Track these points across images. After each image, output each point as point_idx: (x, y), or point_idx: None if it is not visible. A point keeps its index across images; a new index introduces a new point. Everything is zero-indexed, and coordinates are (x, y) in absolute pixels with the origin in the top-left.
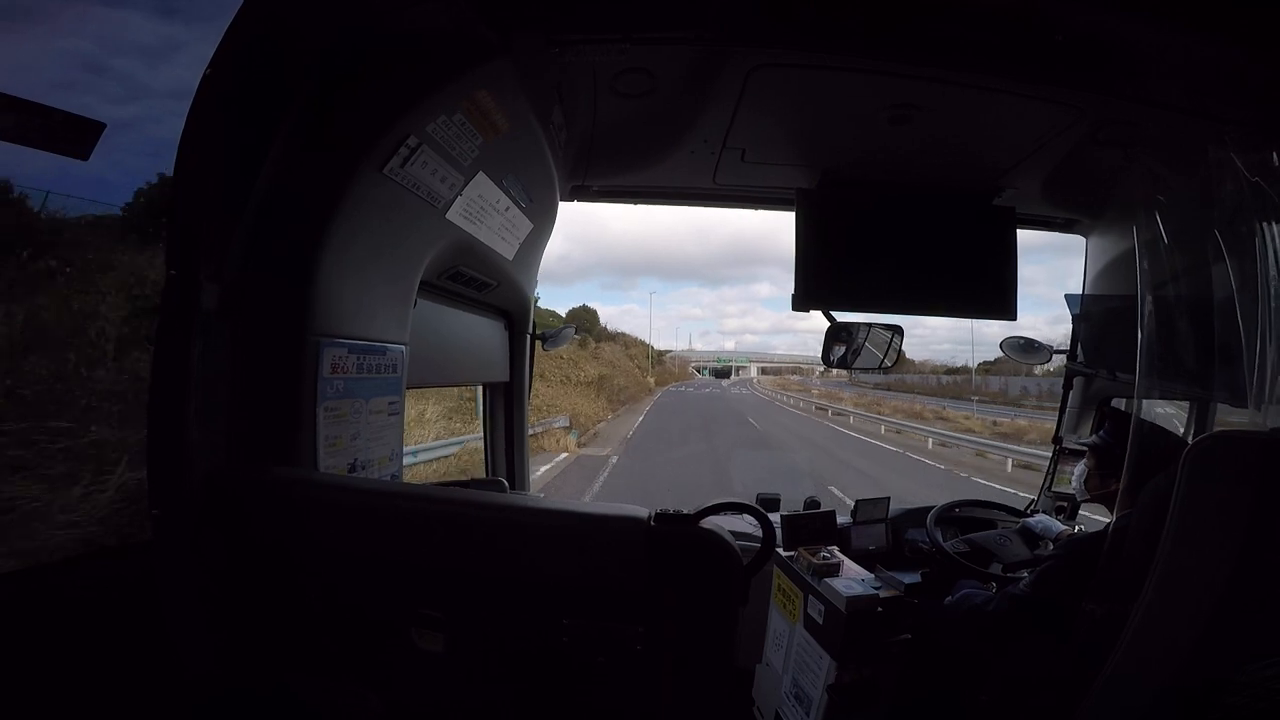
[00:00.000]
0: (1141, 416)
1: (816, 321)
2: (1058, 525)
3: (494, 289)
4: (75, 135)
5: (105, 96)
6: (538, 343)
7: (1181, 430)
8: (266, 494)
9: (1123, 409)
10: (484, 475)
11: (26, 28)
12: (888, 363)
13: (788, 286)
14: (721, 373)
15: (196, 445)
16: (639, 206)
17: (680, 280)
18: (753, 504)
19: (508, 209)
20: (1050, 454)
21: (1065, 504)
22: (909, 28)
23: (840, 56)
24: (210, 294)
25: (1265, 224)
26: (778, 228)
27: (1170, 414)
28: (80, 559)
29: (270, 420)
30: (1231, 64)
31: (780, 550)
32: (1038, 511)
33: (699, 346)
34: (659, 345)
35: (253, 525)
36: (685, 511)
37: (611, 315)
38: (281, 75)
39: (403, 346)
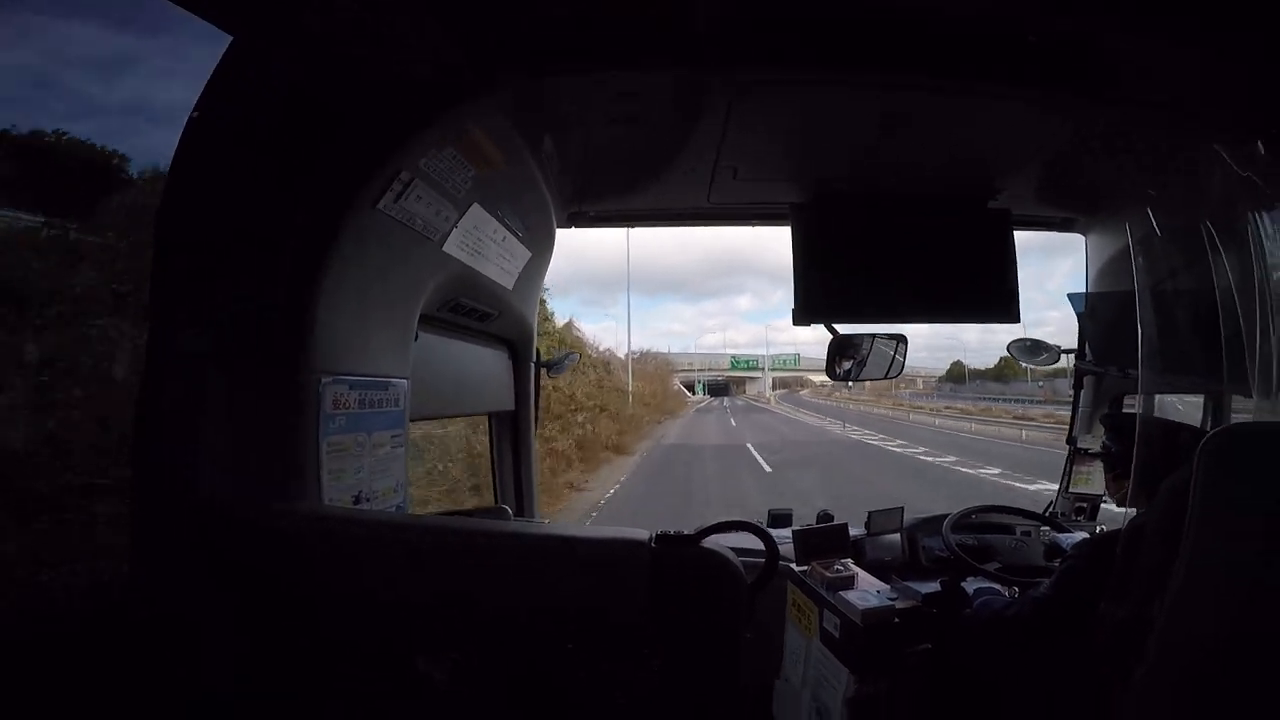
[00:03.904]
0: (1149, 412)
1: (796, 334)
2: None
3: (495, 319)
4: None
5: (54, 114)
6: (543, 370)
7: (1197, 424)
8: (271, 528)
9: (1122, 411)
10: (492, 504)
11: None
12: (893, 372)
13: (769, 299)
14: (720, 388)
15: (189, 483)
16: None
17: (661, 295)
18: (753, 521)
19: (504, 239)
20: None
21: (1085, 505)
22: (895, 38)
23: (827, 70)
24: (198, 334)
25: (1256, 214)
26: (761, 238)
27: (1181, 408)
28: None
29: (274, 457)
30: (1216, 64)
31: (793, 565)
32: (1057, 514)
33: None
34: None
35: (257, 559)
36: (686, 532)
37: (591, 334)
38: (266, 119)
39: (404, 380)
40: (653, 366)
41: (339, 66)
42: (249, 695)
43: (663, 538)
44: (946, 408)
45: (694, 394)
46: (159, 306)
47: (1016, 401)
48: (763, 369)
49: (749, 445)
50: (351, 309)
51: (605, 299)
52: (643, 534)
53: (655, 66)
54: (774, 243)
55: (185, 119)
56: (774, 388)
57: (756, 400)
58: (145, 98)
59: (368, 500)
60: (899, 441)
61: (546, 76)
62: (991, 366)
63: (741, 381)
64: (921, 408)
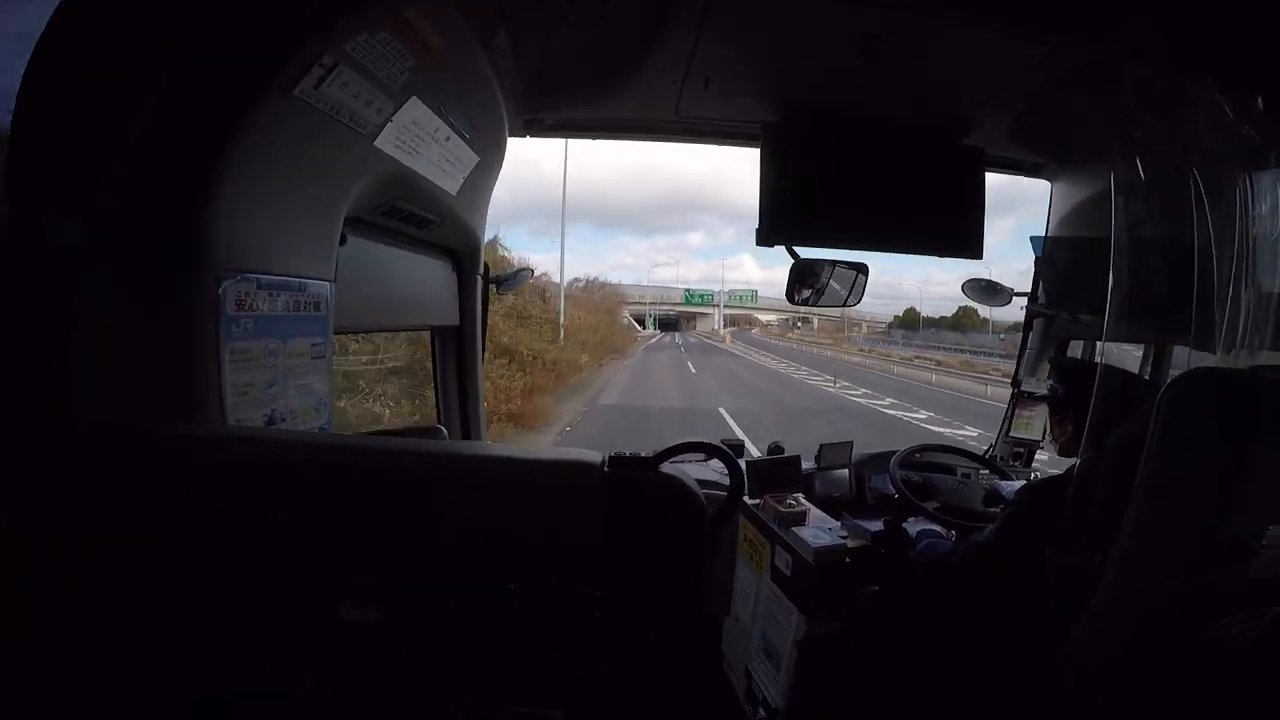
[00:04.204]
0: (1102, 359)
1: (748, 274)
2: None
3: (437, 226)
4: None
5: None
6: (491, 286)
7: (1138, 371)
8: (162, 451)
9: (1067, 357)
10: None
11: None
12: (852, 300)
13: (722, 236)
14: (670, 323)
15: (65, 403)
16: (576, 145)
17: (614, 227)
18: (717, 444)
19: (448, 139)
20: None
21: (1022, 449)
22: None
23: None
24: (69, 229)
25: (1245, 165)
26: (718, 173)
27: (1116, 353)
28: None
29: (166, 367)
30: (1221, 10)
31: (746, 498)
32: (996, 456)
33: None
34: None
35: (149, 490)
36: (643, 454)
37: (540, 265)
38: None
39: (327, 283)
40: (600, 297)
41: None
42: (148, 650)
43: (617, 460)
44: (918, 357)
45: (644, 328)
46: (18, 191)
47: (985, 354)
48: (717, 304)
49: (724, 412)
50: (261, 201)
51: (555, 229)
52: (595, 455)
53: None
54: (729, 178)
55: None
56: (725, 325)
57: (710, 338)
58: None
59: (283, 421)
60: (926, 412)
61: None
62: (946, 316)
63: (691, 317)
64: (890, 355)
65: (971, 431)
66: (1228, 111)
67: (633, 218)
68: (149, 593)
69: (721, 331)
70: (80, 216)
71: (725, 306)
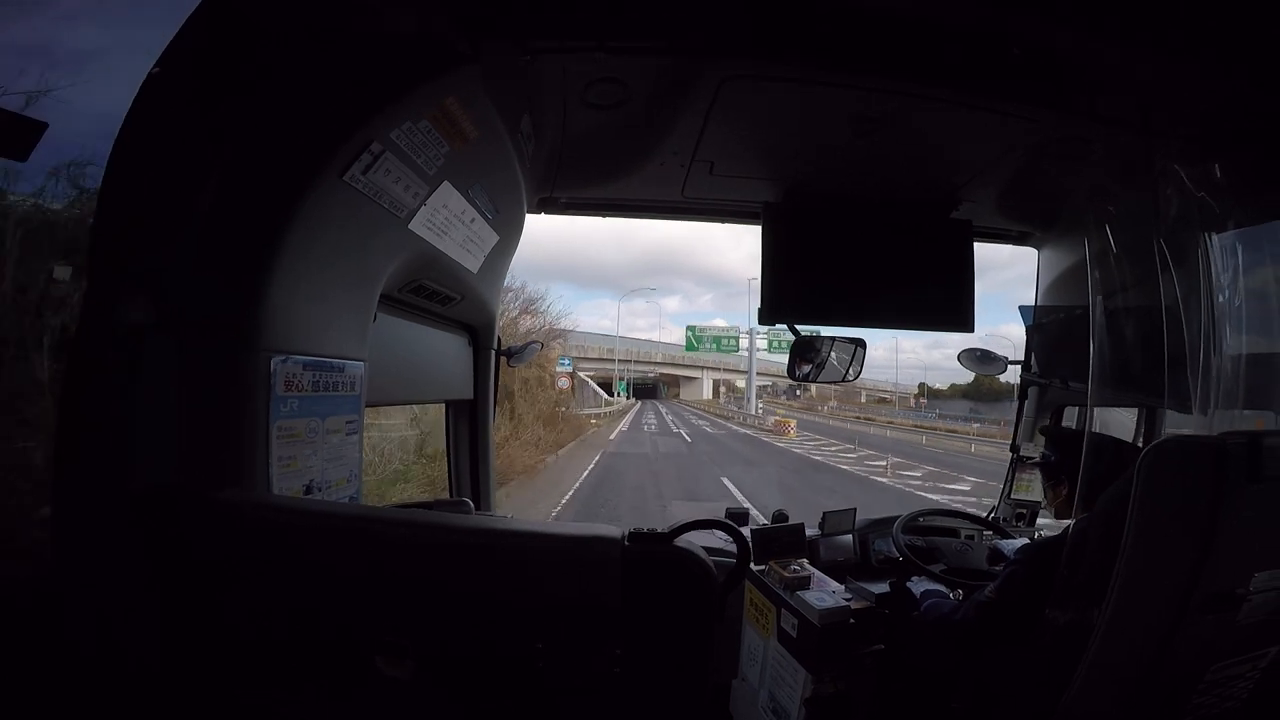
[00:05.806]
0: (1094, 425)
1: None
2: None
3: (458, 303)
4: (15, 135)
5: None
6: (502, 359)
7: (1131, 436)
8: (214, 516)
9: (1060, 425)
10: (448, 495)
11: None
12: (851, 375)
13: (699, 301)
14: (648, 389)
15: (122, 466)
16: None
17: (594, 289)
18: (726, 520)
19: (473, 220)
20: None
21: (1024, 510)
22: (876, 42)
23: (810, 70)
24: (139, 305)
25: (1206, 234)
26: (697, 237)
27: (1121, 420)
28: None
29: (219, 440)
30: (1177, 81)
31: (751, 565)
32: (999, 519)
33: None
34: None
35: (199, 550)
36: (660, 530)
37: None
38: (238, 74)
39: (361, 363)
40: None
41: (320, 22)
42: (185, 702)
43: (636, 535)
44: None
45: (611, 396)
46: (98, 273)
47: None
48: (748, 358)
49: None
50: (309, 283)
51: (535, 289)
52: (615, 531)
53: (646, 51)
54: (708, 243)
55: (95, 63)
56: (714, 393)
57: (729, 418)
58: (49, 40)
59: (320, 490)
60: None
61: (534, 52)
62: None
63: (673, 381)
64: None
65: None
66: (1187, 181)
67: (613, 280)
68: (189, 645)
69: (754, 404)
70: (150, 291)
71: (766, 356)
